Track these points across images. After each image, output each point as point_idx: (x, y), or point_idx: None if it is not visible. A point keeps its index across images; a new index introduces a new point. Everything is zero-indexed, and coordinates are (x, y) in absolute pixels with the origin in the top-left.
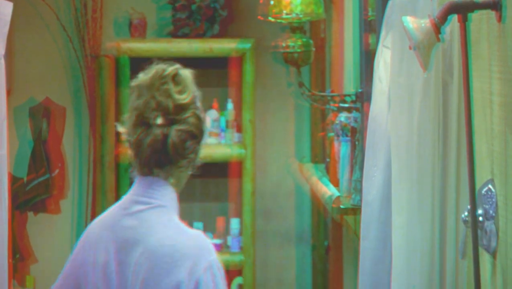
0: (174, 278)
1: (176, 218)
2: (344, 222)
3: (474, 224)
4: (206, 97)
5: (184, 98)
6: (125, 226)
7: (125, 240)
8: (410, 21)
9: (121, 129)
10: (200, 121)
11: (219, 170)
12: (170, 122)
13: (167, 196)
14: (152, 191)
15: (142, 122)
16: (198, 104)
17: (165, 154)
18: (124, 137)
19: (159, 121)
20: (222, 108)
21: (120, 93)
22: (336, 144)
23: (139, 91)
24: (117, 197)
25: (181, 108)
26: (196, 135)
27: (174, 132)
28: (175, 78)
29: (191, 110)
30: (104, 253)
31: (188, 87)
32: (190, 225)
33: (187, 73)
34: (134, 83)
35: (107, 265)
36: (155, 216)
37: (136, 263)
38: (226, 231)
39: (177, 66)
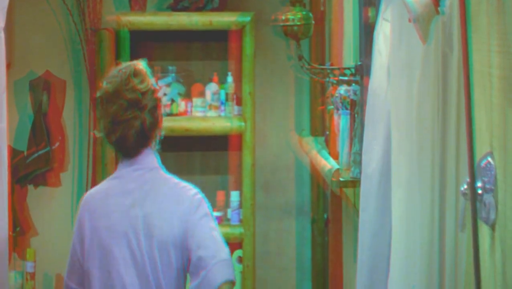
0: (179, 210)
1: (167, 175)
2: (344, 195)
3: (473, 196)
4: (206, 70)
5: (146, 86)
6: (129, 190)
7: (133, 200)
8: None
9: (98, 134)
10: (155, 91)
11: (219, 143)
12: (142, 109)
13: (154, 160)
14: (141, 160)
15: (120, 121)
16: (151, 78)
17: (145, 135)
18: (101, 138)
19: (135, 114)
20: (222, 81)
21: None
22: (335, 117)
23: (108, 98)
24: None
25: (146, 93)
26: (158, 105)
27: (148, 115)
28: (134, 73)
29: (151, 89)
30: (115, 216)
31: (145, 75)
32: None
33: (140, 64)
34: (100, 94)
35: (121, 225)
36: (152, 176)
37: (148, 215)
38: (226, 204)
39: (130, 63)
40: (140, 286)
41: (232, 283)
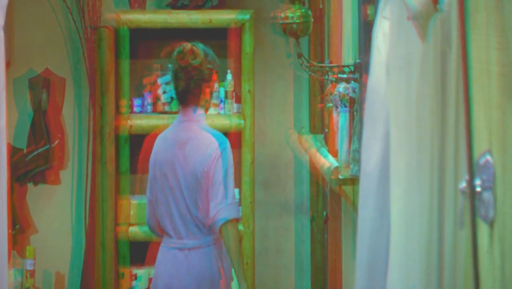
0: (205, 154)
1: (203, 126)
2: (343, 193)
3: (472, 194)
4: None
5: (195, 62)
6: (178, 136)
7: (180, 143)
8: None
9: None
10: (204, 70)
11: None
12: (190, 76)
13: (197, 115)
14: (190, 113)
15: (177, 78)
16: (203, 57)
17: (190, 96)
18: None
19: (185, 77)
20: (221, 79)
21: (120, 64)
22: (334, 114)
23: (175, 60)
24: (117, 168)
25: (194, 67)
26: (203, 78)
27: (193, 82)
28: (190, 51)
29: (198, 67)
30: (169, 153)
31: (197, 54)
32: None
33: (197, 46)
34: (173, 56)
35: (172, 160)
36: (194, 127)
37: (187, 154)
38: None
39: (192, 43)
40: (183, 201)
41: (234, 220)
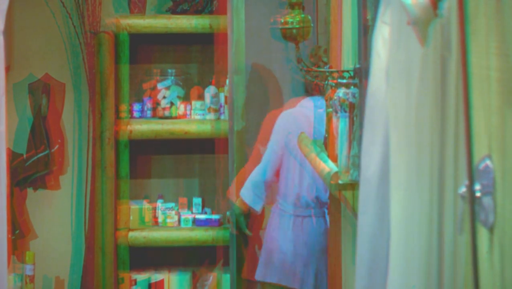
0: None
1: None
2: (342, 198)
3: (472, 199)
4: (205, 73)
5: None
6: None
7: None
8: None
9: None
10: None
11: (218, 146)
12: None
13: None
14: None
15: None
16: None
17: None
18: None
19: None
20: (221, 84)
21: (119, 69)
22: (334, 119)
23: None
24: (117, 173)
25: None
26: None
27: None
28: None
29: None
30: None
31: None
32: (190, 200)
33: None
34: None
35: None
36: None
37: None
38: (226, 206)
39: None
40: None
41: None
